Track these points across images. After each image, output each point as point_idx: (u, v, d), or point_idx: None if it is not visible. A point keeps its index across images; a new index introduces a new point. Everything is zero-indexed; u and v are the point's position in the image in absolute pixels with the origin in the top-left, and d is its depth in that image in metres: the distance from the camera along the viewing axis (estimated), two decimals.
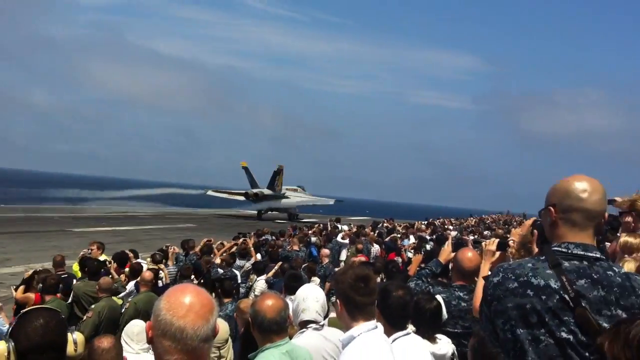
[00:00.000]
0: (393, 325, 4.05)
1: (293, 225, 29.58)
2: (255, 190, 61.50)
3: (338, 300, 3.56)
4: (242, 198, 62.08)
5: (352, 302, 3.45)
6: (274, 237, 21.81)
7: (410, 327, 4.38)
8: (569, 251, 2.61)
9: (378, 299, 3.84)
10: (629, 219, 6.00)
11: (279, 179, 61.52)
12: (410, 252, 17.95)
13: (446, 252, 6.06)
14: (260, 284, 12.07)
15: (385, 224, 29.69)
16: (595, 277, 2.53)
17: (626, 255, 4.84)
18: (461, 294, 5.21)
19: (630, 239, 5.06)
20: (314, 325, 4.43)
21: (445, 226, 32.64)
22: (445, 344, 4.59)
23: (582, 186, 2.64)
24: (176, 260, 14.03)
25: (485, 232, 28.48)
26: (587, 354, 2.43)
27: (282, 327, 3.90)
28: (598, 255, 2.60)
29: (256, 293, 11.52)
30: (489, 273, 2.88)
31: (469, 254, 5.33)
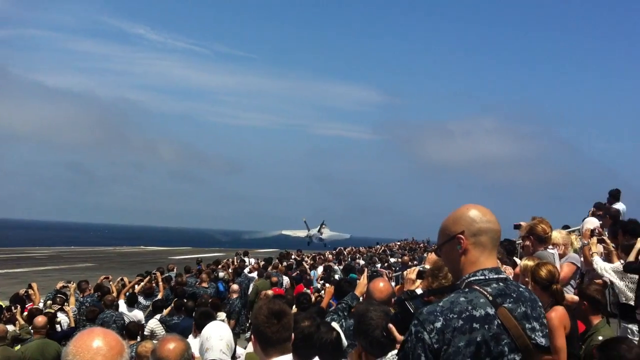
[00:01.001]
0: (299, 357, 3.95)
1: (199, 260, 28.90)
2: (312, 233, 75.30)
3: (252, 336, 3.49)
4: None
5: (264, 337, 3.40)
6: (180, 273, 21.17)
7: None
8: (486, 277, 2.61)
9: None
10: (527, 242, 6.36)
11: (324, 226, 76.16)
12: (320, 282, 17.92)
13: (362, 285, 6.09)
14: (152, 322, 11.49)
15: (293, 256, 29.60)
16: (514, 295, 2.58)
17: (527, 279, 5.07)
18: None
19: (529, 262, 5.30)
20: None
21: (354, 255, 32.96)
22: None
23: (482, 211, 2.70)
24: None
25: (392, 260, 29.02)
26: None
27: None
28: (506, 276, 2.67)
29: (145, 332, 11.01)
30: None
31: (380, 285, 5.34)
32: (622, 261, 7.38)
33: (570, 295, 5.72)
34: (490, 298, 2.53)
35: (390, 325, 3.06)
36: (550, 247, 6.64)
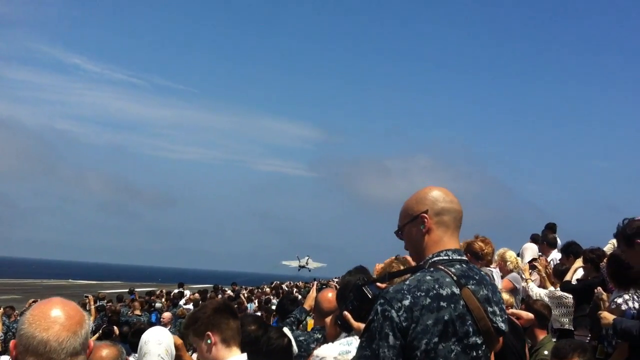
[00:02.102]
0: None
1: (131, 289, 28.17)
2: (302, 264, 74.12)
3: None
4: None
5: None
6: (111, 303, 20.38)
7: None
8: (450, 258, 2.58)
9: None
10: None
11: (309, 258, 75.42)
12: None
13: (310, 298, 5.96)
14: None
15: (228, 291, 29.05)
16: (477, 278, 2.56)
17: None
18: (319, 336, 5.08)
19: None
20: None
21: (292, 289, 32.66)
22: None
23: (444, 192, 2.69)
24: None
25: None
26: (489, 355, 2.48)
27: None
28: (467, 259, 2.66)
29: None
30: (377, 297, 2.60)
31: (328, 295, 5.23)
32: (551, 289, 7.59)
33: (526, 312, 5.74)
34: (455, 278, 2.48)
35: (346, 313, 2.94)
36: (493, 265, 6.72)
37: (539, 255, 9.63)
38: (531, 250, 9.82)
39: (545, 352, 5.43)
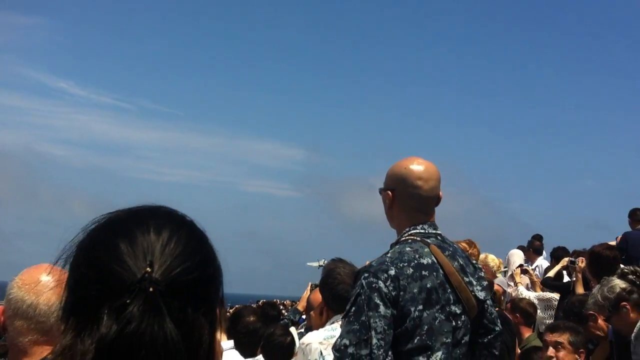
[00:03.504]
0: (241, 352, 3.82)
1: None
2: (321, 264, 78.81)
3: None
4: None
5: None
6: None
7: (260, 357, 4.17)
8: (426, 231, 2.65)
9: (228, 324, 3.63)
10: None
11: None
12: None
13: (304, 299, 6.01)
14: None
15: None
16: (450, 250, 2.65)
17: None
18: None
19: None
20: None
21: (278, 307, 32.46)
22: None
23: (418, 172, 2.67)
24: None
25: None
26: (469, 325, 2.57)
27: None
28: (440, 232, 2.73)
29: None
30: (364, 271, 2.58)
31: (317, 293, 5.30)
32: (540, 292, 7.67)
33: None
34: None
35: None
36: None
37: (525, 261, 9.75)
38: (518, 256, 9.90)
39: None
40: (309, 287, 6.62)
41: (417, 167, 2.68)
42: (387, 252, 2.55)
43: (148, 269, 0.88)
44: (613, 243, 8.29)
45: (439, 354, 2.44)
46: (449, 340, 2.47)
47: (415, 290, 2.43)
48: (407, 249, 2.53)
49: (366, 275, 2.45)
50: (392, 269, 2.44)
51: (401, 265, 2.46)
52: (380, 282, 2.41)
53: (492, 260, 7.76)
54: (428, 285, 2.46)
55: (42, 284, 1.98)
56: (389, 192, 2.69)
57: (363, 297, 2.41)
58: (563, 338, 3.86)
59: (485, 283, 2.74)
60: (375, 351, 2.32)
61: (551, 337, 3.94)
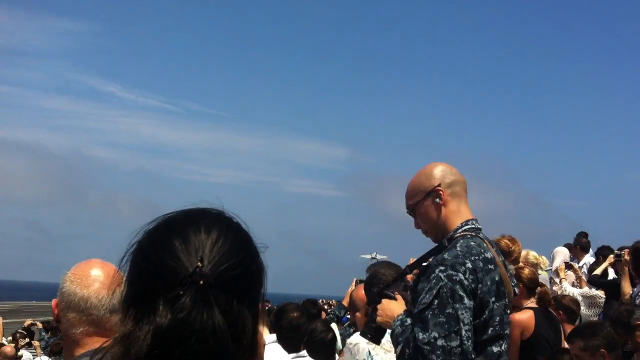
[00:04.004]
0: (285, 347, 3.94)
1: None
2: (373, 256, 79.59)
3: None
4: None
5: None
6: None
7: (304, 352, 4.28)
8: (475, 227, 2.69)
9: (272, 319, 3.75)
10: None
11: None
12: None
13: (348, 294, 6.06)
14: None
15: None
16: (494, 245, 2.72)
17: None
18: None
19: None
20: None
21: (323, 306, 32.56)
22: None
23: (447, 165, 2.80)
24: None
25: None
26: None
27: None
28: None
29: None
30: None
31: (362, 291, 5.35)
32: (586, 288, 7.58)
33: None
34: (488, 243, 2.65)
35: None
36: (521, 264, 6.74)
37: (571, 259, 9.63)
38: (562, 253, 9.76)
39: None
40: (353, 283, 6.67)
41: (444, 164, 2.80)
42: (455, 247, 2.55)
43: (199, 264, 1.01)
44: None
45: (504, 344, 2.56)
46: (508, 331, 2.60)
47: (488, 283, 2.49)
48: (472, 243, 2.56)
49: (442, 268, 2.47)
50: (468, 262, 2.47)
51: (473, 258, 2.49)
52: (459, 274, 2.44)
53: (534, 257, 7.68)
54: (496, 278, 2.53)
55: (93, 278, 2.09)
56: (439, 189, 2.69)
57: (446, 290, 2.42)
58: (575, 348, 3.84)
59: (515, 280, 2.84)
60: (465, 342, 2.36)
61: (571, 349, 3.97)
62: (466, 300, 2.40)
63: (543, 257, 8.29)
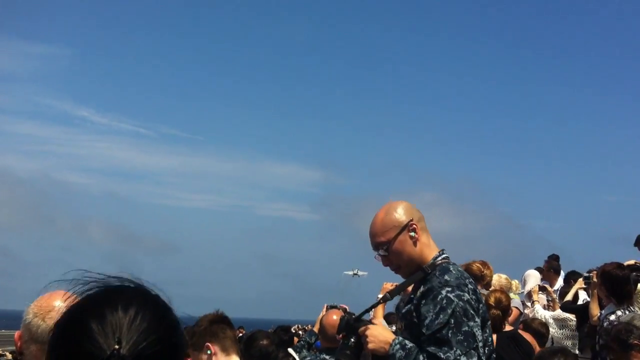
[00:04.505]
0: None
1: None
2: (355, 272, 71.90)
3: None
4: None
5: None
6: None
7: None
8: (448, 256, 2.83)
9: (242, 347, 3.71)
10: None
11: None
12: None
13: (319, 321, 6.06)
14: None
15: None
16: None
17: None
18: (327, 357, 5.16)
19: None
20: None
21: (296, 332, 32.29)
22: None
23: (408, 203, 2.91)
24: None
25: None
26: None
27: None
28: None
29: None
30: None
31: (333, 317, 5.31)
32: (558, 311, 7.62)
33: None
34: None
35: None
36: (492, 289, 6.78)
37: (543, 282, 9.72)
38: (534, 276, 9.84)
39: None
40: (324, 309, 6.64)
41: (399, 201, 2.91)
42: (449, 270, 2.67)
43: (116, 346, 1.00)
44: (631, 262, 8.27)
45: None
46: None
47: (483, 303, 2.68)
48: (459, 268, 2.75)
49: (449, 289, 2.57)
50: (469, 283, 2.64)
51: (470, 280, 2.68)
52: (466, 294, 2.57)
53: (506, 280, 7.73)
54: (483, 300, 2.72)
55: (56, 310, 2.06)
56: (414, 224, 2.78)
57: (459, 309, 2.53)
58: None
59: None
60: (483, 358, 2.54)
61: None
62: (477, 319, 2.55)
63: (515, 280, 8.36)
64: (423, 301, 2.60)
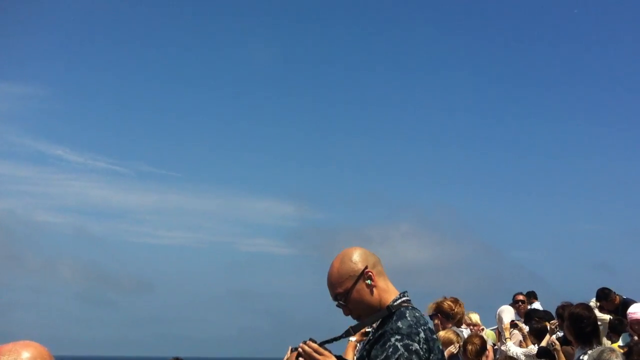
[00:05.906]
0: None
1: None
2: None
3: None
4: None
5: None
6: None
7: None
8: (409, 299, 2.79)
9: None
10: (436, 321, 6.35)
11: None
12: None
13: None
14: None
15: None
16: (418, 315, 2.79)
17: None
18: None
19: (447, 334, 5.70)
20: None
21: None
22: None
23: (362, 248, 2.89)
24: None
25: None
26: None
27: None
28: None
29: None
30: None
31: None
32: (534, 345, 7.60)
33: None
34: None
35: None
36: (464, 326, 6.63)
37: (517, 317, 9.62)
38: (509, 312, 9.77)
39: None
40: (288, 351, 6.42)
41: (359, 247, 2.89)
42: (405, 316, 2.64)
43: None
44: (592, 303, 8.42)
45: None
46: None
47: (436, 351, 2.62)
48: (417, 314, 2.69)
49: (399, 337, 2.55)
50: (421, 332, 2.59)
51: (423, 328, 2.62)
52: (415, 344, 2.54)
53: (476, 320, 7.69)
54: (440, 347, 2.70)
55: None
56: (370, 272, 2.76)
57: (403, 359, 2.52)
58: None
59: None
60: None
61: None
62: None
63: (476, 314, 8.36)
64: (375, 345, 2.63)
